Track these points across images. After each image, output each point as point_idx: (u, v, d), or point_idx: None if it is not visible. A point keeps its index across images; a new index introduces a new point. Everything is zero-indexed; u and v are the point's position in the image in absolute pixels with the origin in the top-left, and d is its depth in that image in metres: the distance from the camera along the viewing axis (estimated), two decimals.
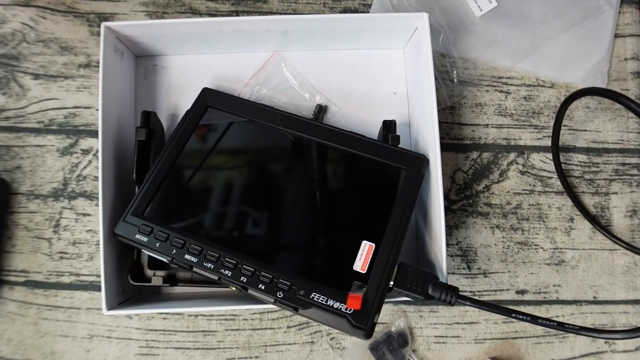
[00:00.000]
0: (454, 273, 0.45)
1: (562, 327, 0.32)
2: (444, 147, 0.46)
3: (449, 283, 0.35)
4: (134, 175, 0.39)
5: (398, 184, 0.37)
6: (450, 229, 0.45)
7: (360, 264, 0.34)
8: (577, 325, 0.32)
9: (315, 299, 0.32)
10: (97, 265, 0.44)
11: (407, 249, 0.44)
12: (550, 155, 0.47)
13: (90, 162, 0.45)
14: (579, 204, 0.46)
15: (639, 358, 0.44)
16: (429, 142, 0.38)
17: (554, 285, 0.45)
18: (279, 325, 0.44)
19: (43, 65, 0.46)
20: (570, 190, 0.46)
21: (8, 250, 0.44)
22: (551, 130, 0.47)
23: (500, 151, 0.47)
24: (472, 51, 0.47)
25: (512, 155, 0.47)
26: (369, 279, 0.33)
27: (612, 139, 0.47)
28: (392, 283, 0.33)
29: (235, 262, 0.34)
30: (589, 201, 0.46)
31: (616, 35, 0.48)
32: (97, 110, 0.39)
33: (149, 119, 0.40)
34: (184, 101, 0.44)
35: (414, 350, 0.44)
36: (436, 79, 0.38)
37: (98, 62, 0.42)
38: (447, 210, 0.45)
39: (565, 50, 0.47)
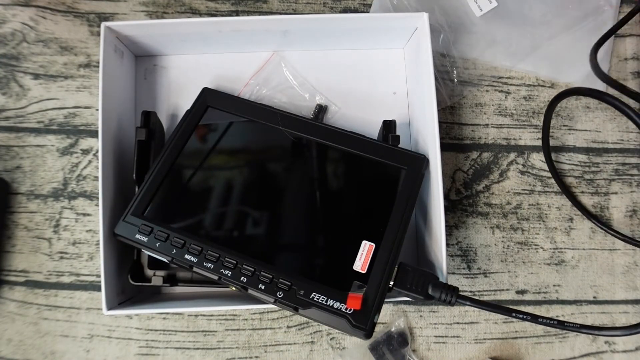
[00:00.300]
0: (454, 273, 0.45)
1: (562, 325, 0.32)
2: (444, 147, 0.46)
3: (449, 283, 0.35)
4: (134, 175, 0.39)
5: (398, 184, 0.37)
6: (450, 229, 0.45)
7: (360, 264, 0.34)
8: (577, 324, 0.32)
9: (315, 299, 0.32)
10: (97, 265, 0.44)
11: (407, 249, 0.44)
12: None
13: (90, 162, 0.45)
14: (575, 201, 0.46)
15: (639, 358, 0.44)
16: (429, 142, 0.38)
17: (554, 285, 0.45)
18: (279, 325, 0.44)
19: (43, 65, 0.46)
20: (565, 188, 0.46)
21: (8, 250, 0.44)
22: (551, 131, 0.47)
23: (500, 151, 0.47)
24: (472, 51, 0.47)
25: (512, 155, 0.47)
26: (369, 279, 0.33)
27: (612, 139, 0.47)
28: (392, 283, 0.33)
29: (235, 262, 0.34)
30: (588, 201, 0.46)
31: (616, 35, 0.48)
32: (97, 110, 0.39)
33: (149, 119, 0.40)
34: (184, 101, 0.44)
35: (414, 350, 0.44)
36: (436, 79, 0.38)
37: (98, 62, 0.42)
38: (447, 210, 0.45)
39: (565, 50, 0.47)
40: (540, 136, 0.47)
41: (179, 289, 0.43)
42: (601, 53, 0.47)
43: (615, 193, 0.47)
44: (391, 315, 0.44)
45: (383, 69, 0.46)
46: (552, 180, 0.46)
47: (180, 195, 0.37)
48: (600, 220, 0.45)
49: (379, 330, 0.43)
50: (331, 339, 0.43)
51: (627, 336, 0.32)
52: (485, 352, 0.44)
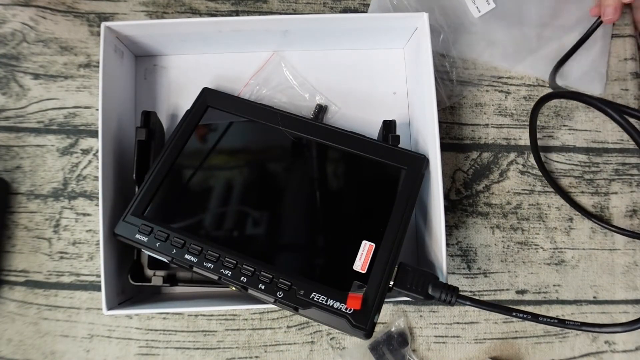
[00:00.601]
0: (454, 273, 0.45)
1: (563, 324, 0.32)
2: (444, 147, 0.46)
3: (449, 283, 0.35)
4: (134, 175, 0.39)
5: (398, 184, 0.37)
6: (450, 229, 0.45)
7: (360, 264, 0.34)
8: (578, 322, 0.32)
9: (315, 299, 0.32)
10: (97, 265, 0.44)
11: (407, 249, 0.44)
12: (550, 155, 0.47)
13: (90, 162, 0.45)
14: (570, 200, 0.46)
15: (639, 358, 0.44)
16: (429, 142, 0.38)
17: (554, 285, 0.45)
18: (279, 325, 0.44)
19: (43, 65, 0.46)
20: (558, 188, 0.46)
21: (8, 250, 0.44)
22: (551, 130, 0.47)
23: (500, 151, 0.47)
24: (472, 52, 0.47)
25: (512, 155, 0.47)
26: (369, 279, 0.33)
27: (612, 139, 0.47)
28: (392, 283, 0.33)
29: (235, 262, 0.34)
30: (588, 201, 0.46)
31: (615, 36, 0.48)
32: (97, 110, 0.39)
33: (149, 119, 0.40)
34: (184, 101, 0.44)
35: (414, 350, 0.44)
36: (435, 79, 0.38)
37: (98, 62, 0.42)
38: (447, 210, 0.45)
39: (562, 52, 0.47)
40: (540, 136, 0.47)
41: (179, 289, 0.43)
42: (598, 53, 0.48)
43: (615, 193, 0.47)
44: (391, 315, 0.44)
45: (383, 69, 0.46)
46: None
47: (180, 195, 0.37)
48: (597, 218, 0.45)
49: (379, 330, 0.43)
50: (331, 339, 0.43)
51: (628, 332, 0.32)
52: (485, 352, 0.44)
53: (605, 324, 0.33)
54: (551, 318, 0.32)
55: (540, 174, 0.46)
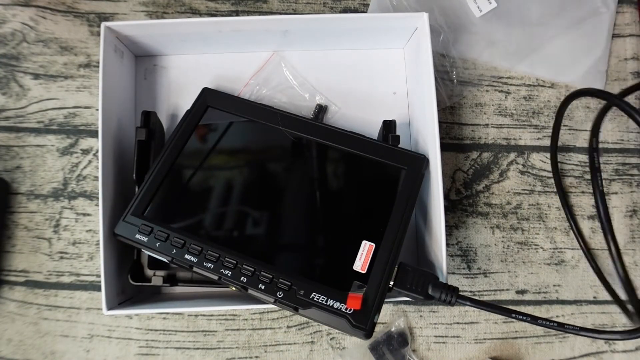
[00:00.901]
0: (454, 273, 0.45)
1: (562, 327, 0.32)
2: (444, 147, 0.46)
3: (449, 283, 0.35)
4: (134, 175, 0.39)
5: (398, 184, 0.37)
6: (450, 229, 0.45)
7: (360, 264, 0.34)
8: (577, 326, 0.32)
9: (315, 299, 0.32)
10: (97, 265, 0.44)
11: (407, 249, 0.44)
12: (550, 155, 0.47)
13: (90, 162, 0.45)
14: (567, 206, 0.46)
15: (639, 358, 0.44)
16: (429, 142, 0.38)
17: (554, 285, 0.45)
18: (279, 325, 0.44)
19: (43, 65, 0.46)
20: (562, 193, 0.46)
21: (8, 250, 0.44)
22: (551, 130, 0.47)
23: (500, 151, 0.47)
24: (472, 51, 0.47)
25: (512, 155, 0.47)
26: (369, 279, 0.33)
27: (612, 139, 0.47)
28: (392, 283, 0.33)
29: (235, 262, 0.34)
30: (588, 201, 0.46)
31: (616, 35, 0.48)
32: (97, 110, 0.39)
33: (149, 119, 0.40)
34: (184, 101, 0.44)
35: (414, 350, 0.44)
36: (436, 79, 0.38)
37: (98, 62, 0.42)
38: (447, 210, 0.45)
39: (563, 51, 0.47)
40: (540, 136, 0.47)
41: (179, 289, 0.43)
42: (598, 53, 0.48)
43: (616, 193, 0.47)
44: (391, 315, 0.44)
45: (383, 69, 0.46)
46: (552, 180, 0.46)
47: (180, 195, 0.37)
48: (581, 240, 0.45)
49: (379, 330, 0.43)
50: (331, 339, 0.43)
51: (626, 340, 0.32)
52: (485, 352, 0.44)
53: (605, 330, 0.33)
54: (550, 321, 0.32)
55: (540, 174, 0.46)
